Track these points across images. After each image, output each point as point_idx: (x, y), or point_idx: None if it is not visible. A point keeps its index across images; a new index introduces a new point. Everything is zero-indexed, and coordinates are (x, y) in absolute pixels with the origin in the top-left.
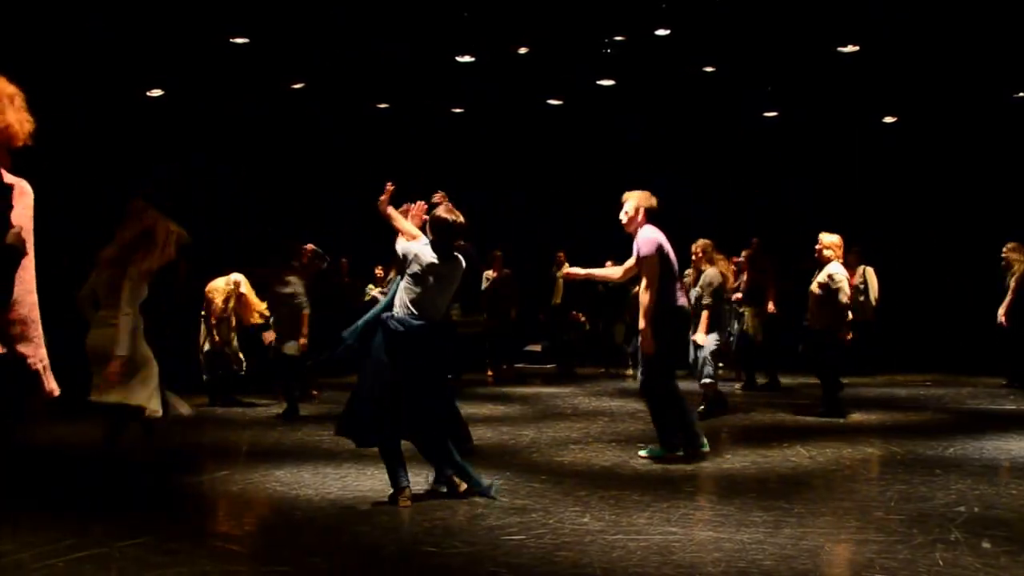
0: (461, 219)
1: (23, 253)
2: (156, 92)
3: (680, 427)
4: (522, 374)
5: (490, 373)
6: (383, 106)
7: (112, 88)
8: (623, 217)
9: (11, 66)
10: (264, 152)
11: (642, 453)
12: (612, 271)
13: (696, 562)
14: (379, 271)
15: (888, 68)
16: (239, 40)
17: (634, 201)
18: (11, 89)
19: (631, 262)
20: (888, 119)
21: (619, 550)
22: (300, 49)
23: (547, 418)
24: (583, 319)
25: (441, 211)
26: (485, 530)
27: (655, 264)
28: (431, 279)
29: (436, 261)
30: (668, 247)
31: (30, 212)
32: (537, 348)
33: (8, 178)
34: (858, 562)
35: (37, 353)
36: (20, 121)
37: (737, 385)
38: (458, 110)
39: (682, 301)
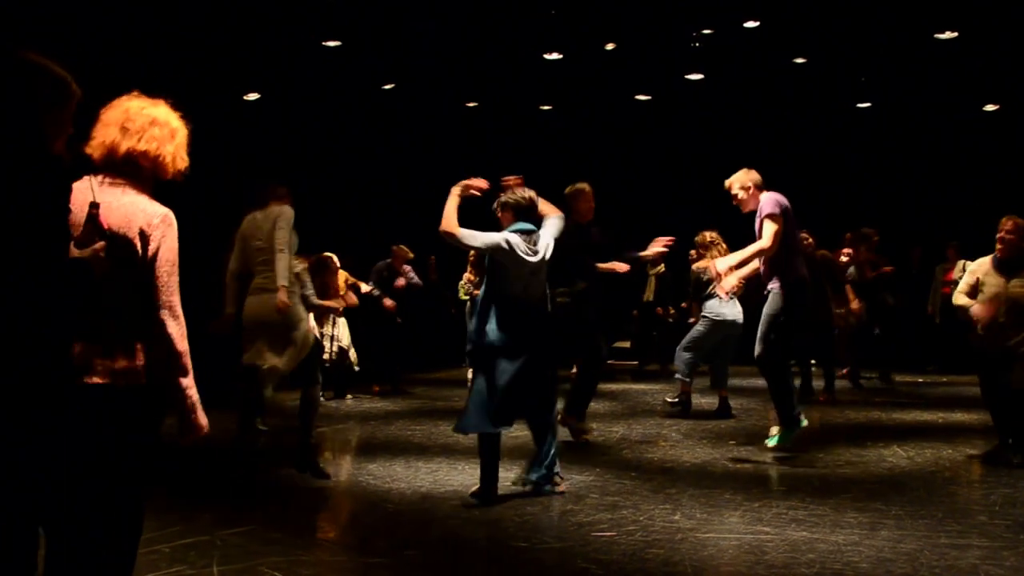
0: (531, 193)
1: (95, 274)
2: (253, 96)
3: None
4: (611, 371)
5: (575, 369)
6: (472, 104)
7: (210, 93)
8: (737, 200)
9: (110, 77)
10: (355, 152)
11: (770, 443)
12: (758, 244)
13: (789, 563)
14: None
15: (988, 54)
16: (331, 43)
17: (740, 181)
18: (176, 123)
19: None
20: (989, 107)
21: (710, 548)
22: (390, 51)
23: (636, 415)
24: (671, 315)
25: (511, 194)
26: (575, 526)
27: (778, 219)
28: (524, 267)
29: (526, 248)
30: (790, 211)
31: (175, 243)
32: (626, 345)
33: (142, 208)
34: (961, 568)
35: (191, 386)
36: (176, 155)
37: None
38: (546, 107)
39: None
